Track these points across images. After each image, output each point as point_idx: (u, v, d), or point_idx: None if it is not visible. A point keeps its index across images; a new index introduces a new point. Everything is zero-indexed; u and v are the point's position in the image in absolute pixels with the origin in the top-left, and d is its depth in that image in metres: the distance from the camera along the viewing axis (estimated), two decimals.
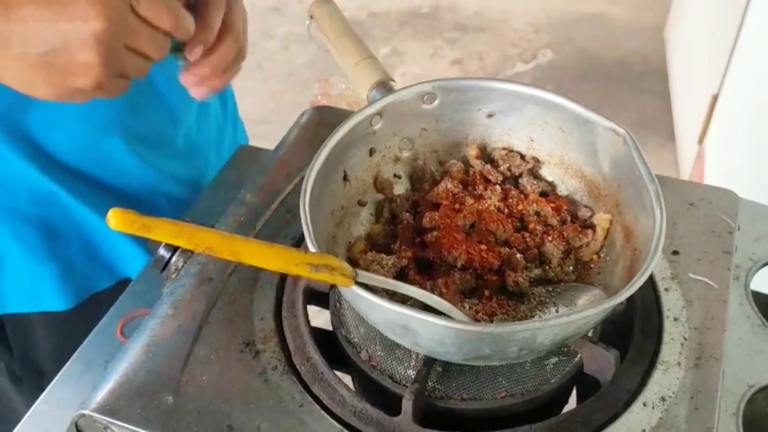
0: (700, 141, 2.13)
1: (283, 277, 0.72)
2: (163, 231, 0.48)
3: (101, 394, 0.63)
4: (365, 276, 0.56)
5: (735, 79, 1.89)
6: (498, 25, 2.90)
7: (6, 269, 0.90)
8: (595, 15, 2.99)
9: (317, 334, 0.69)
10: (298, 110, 0.95)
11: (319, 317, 0.77)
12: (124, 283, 0.95)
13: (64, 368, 0.85)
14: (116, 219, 0.47)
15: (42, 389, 0.84)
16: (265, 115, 2.54)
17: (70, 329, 0.93)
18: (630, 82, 2.61)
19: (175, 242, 0.49)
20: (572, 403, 0.70)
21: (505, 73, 2.70)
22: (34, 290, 0.92)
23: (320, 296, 0.71)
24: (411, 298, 0.60)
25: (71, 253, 0.92)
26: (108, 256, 0.95)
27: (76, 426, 0.64)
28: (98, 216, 0.90)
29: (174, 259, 0.78)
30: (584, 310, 0.54)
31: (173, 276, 0.77)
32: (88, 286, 0.95)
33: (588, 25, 2.93)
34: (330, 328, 0.70)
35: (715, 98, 2.02)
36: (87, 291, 0.94)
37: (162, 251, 0.79)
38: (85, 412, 0.62)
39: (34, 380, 1.02)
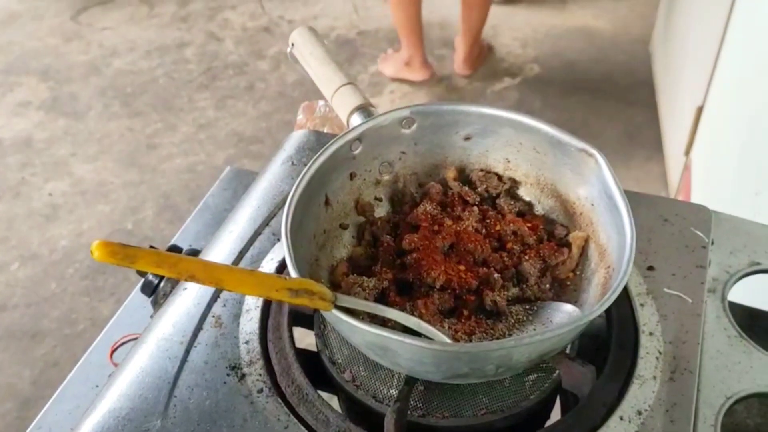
0: (687, 152, 2.15)
1: (268, 301, 0.74)
2: (147, 261, 0.50)
3: (92, 420, 0.65)
4: (345, 299, 0.57)
5: (719, 91, 1.91)
6: (486, 40, 2.93)
7: None
8: (581, 29, 3.02)
9: (302, 355, 0.70)
10: (289, 129, 0.97)
11: (305, 339, 0.78)
12: None
13: (56, 393, 0.87)
14: (100, 251, 0.49)
15: None
16: (257, 134, 2.57)
17: None
18: (617, 95, 2.64)
19: (159, 272, 0.51)
20: (556, 415, 0.71)
21: (493, 88, 2.73)
22: None
23: (305, 319, 0.73)
24: (391, 319, 0.62)
25: None
26: None
27: None
28: None
29: (162, 284, 0.80)
30: (558, 328, 0.55)
31: (161, 301, 0.79)
32: None
33: (574, 40, 2.96)
34: (315, 349, 0.71)
35: (700, 110, 2.05)
36: None
37: (150, 277, 0.80)
38: None
39: None
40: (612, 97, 2.63)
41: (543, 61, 2.84)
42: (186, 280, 0.52)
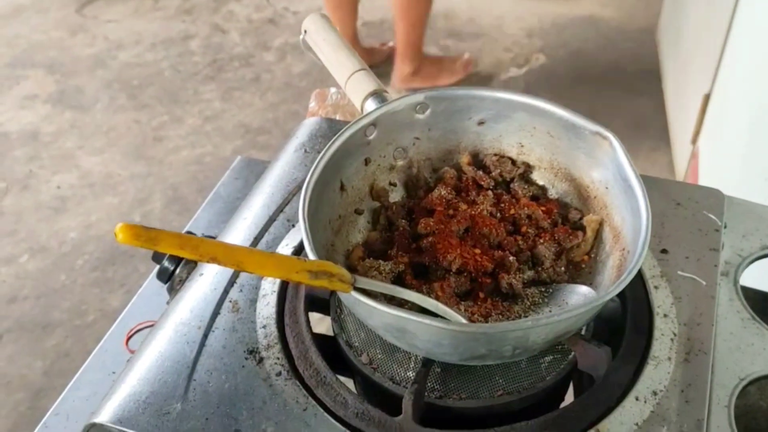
0: (694, 141, 2.15)
1: (284, 286, 0.74)
2: (169, 243, 0.51)
3: (112, 404, 0.65)
4: (363, 281, 0.58)
5: (726, 78, 1.91)
6: (492, 30, 2.93)
7: None
8: (587, 18, 3.01)
9: (319, 339, 0.71)
10: (296, 120, 0.97)
11: (320, 325, 0.79)
12: None
13: (72, 380, 0.88)
14: (123, 233, 0.49)
15: None
16: (264, 125, 2.57)
17: None
18: (623, 84, 2.64)
19: (181, 254, 0.51)
20: (570, 399, 0.72)
21: (499, 78, 2.73)
22: None
23: (321, 303, 0.73)
24: (408, 302, 0.62)
25: None
26: None
27: None
28: None
29: (178, 270, 0.80)
30: (575, 309, 0.56)
31: (177, 287, 0.79)
32: None
33: (580, 28, 2.95)
34: (331, 334, 0.72)
35: (707, 98, 2.04)
36: None
37: (166, 263, 0.81)
38: (97, 421, 0.64)
39: None
40: (618, 86, 2.62)
41: (549, 51, 2.83)
42: (207, 262, 0.52)
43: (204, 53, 2.96)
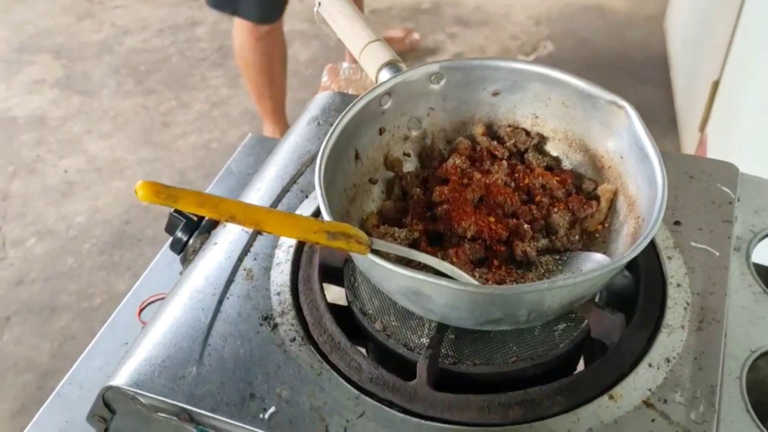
0: (702, 128, 2.15)
1: (297, 255, 0.75)
2: (189, 201, 0.51)
3: (128, 368, 0.66)
4: (380, 243, 0.58)
5: (735, 65, 1.91)
6: (499, 18, 2.92)
7: None
8: (594, 6, 3.01)
9: (332, 308, 0.71)
10: (302, 107, 0.97)
11: (330, 296, 0.79)
12: None
13: (85, 351, 0.88)
14: (144, 190, 0.50)
15: None
16: None
17: None
18: (631, 72, 2.63)
19: (200, 212, 0.51)
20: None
21: None
22: None
23: (334, 272, 0.74)
24: (423, 267, 0.63)
25: None
26: None
27: (104, 399, 0.67)
28: None
29: (191, 241, 0.81)
30: (591, 272, 0.56)
31: (191, 257, 0.80)
32: None
33: (588, 17, 2.95)
34: (343, 303, 0.72)
35: (716, 84, 2.04)
36: None
37: (179, 234, 0.81)
38: (113, 383, 0.65)
39: None
40: (626, 74, 2.62)
41: (556, 39, 2.83)
42: (226, 221, 0.52)
43: (211, 39, 2.96)
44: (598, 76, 2.66)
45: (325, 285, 0.74)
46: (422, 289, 0.58)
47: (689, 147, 2.26)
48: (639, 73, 2.63)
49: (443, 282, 0.56)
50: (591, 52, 2.76)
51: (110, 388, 0.65)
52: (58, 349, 1.94)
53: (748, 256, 0.80)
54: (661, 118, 2.45)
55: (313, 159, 0.83)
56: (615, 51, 2.76)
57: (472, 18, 2.99)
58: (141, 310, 0.92)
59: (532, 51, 2.79)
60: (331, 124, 0.69)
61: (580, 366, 0.76)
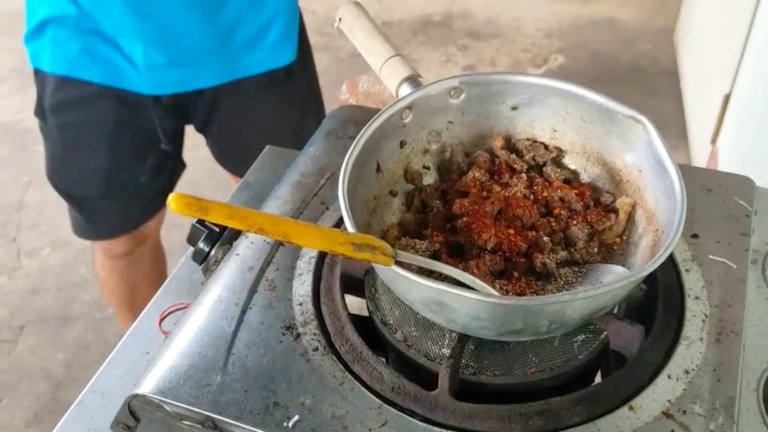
0: (713, 141, 2.15)
1: (319, 265, 0.76)
2: (219, 213, 0.52)
3: (153, 376, 0.67)
4: (404, 255, 0.59)
5: (747, 78, 1.91)
6: (510, 31, 2.94)
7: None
8: (605, 19, 3.02)
9: (353, 319, 0.72)
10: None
11: (350, 306, 0.80)
12: None
13: (107, 360, 0.89)
14: (176, 202, 0.51)
15: (42, 128, 1.28)
16: None
17: (65, 93, 1.29)
18: (642, 85, 2.64)
19: (230, 224, 0.53)
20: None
21: None
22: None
23: (355, 283, 0.74)
24: (444, 278, 0.64)
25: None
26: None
27: (129, 407, 0.68)
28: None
29: (213, 252, 0.82)
30: (612, 283, 0.57)
31: (213, 268, 0.81)
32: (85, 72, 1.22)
33: (599, 30, 2.96)
34: (364, 314, 0.73)
35: (727, 98, 2.05)
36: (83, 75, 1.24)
37: (201, 245, 0.83)
38: (139, 392, 0.66)
39: (42, 118, 1.38)
40: (637, 86, 2.63)
41: (567, 52, 2.85)
42: (255, 232, 0.54)
43: None
44: (609, 88, 2.67)
45: (346, 295, 0.75)
46: (445, 300, 0.59)
47: (700, 159, 2.27)
48: (650, 85, 2.64)
49: (467, 293, 0.56)
50: (602, 65, 2.77)
51: (136, 396, 0.66)
52: (71, 359, 1.95)
53: (764, 269, 0.81)
54: (673, 130, 2.46)
55: (332, 172, 0.84)
56: (626, 63, 2.78)
57: (482, 30, 3.01)
58: (162, 320, 0.93)
59: (543, 63, 2.80)
60: (350, 137, 0.70)
61: (598, 377, 0.77)
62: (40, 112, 1.37)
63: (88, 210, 1.46)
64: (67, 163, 1.40)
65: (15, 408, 1.83)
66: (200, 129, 1.45)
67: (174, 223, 1.87)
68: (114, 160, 1.36)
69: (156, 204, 1.48)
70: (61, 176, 1.43)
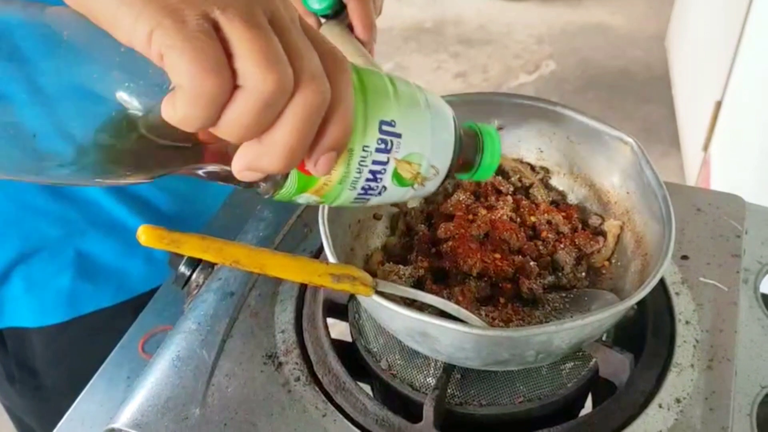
0: (705, 148, 2.15)
1: (302, 291, 0.74)
2: (192, 246, 0.50)
3: (130, 409, 0.65)
4: (385, 285, 0.58)
5: (738, 85, 1.91)
6: (501, 37, 2.93)
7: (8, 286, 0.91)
8: (596, 25, 3.01)
9: (336, 345, 0.70)
10: None
11: (335, 329, 0.78)
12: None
13: (87, 386, 0.87)
14: (146, 235, 0.49)
15: (37, 388, 0.90)
16: None
17: (67, 337, 0.95)
18: (633, 91, 2.64)
19: (204, 256, 0.51)
20: (588, 409, 0.71)
21: (509, 84, 2.73)
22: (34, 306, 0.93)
23: (339, 308, 0.73)
24: (429, 306, 0.62)
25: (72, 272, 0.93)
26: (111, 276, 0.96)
27: None
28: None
29: (194, 275, 0.80)
30: (599, 313, 0.55)
31: (194, 292, 0.79)
32: (89, 304, 0.96)
33: (590, 36, 2.95)
34: (348, 339, 0.71)
35: (718, 105, 2.04)
36: (87, 308, 0.96)
37: (183, 268, 0.81)
38: (115, 426, 0.64)
39: (27, 380, 1.02)
40: (628, 93, 2.62)
41: (559, 58, 2.83)
42: (230, 265, 0.52)
43: None
44: (600, 94, 2.66)
45: (330, 320, 0.73)
46: (429, 331, 0.57)
47: (692, 166, 2.26)
48: (641, 91, 2.64)
49: (449, 324, 0.55)
50: (593, 71, 2.76)
51: (112, 430, 0.64)
52: None
53: (756, 289, 0.79)
54: (664, 137, 2.45)
55: None
56: (617, 69, 2.77)
57: (474, 37, 3.00)
58: (144, 343, 0.91)
59: (535, 69, 2.79)
60: None
61: (587, 408, 0.75)
62: None
63: None
64: None
65: None
66: None
67: None
68: None
69: None
70: None
